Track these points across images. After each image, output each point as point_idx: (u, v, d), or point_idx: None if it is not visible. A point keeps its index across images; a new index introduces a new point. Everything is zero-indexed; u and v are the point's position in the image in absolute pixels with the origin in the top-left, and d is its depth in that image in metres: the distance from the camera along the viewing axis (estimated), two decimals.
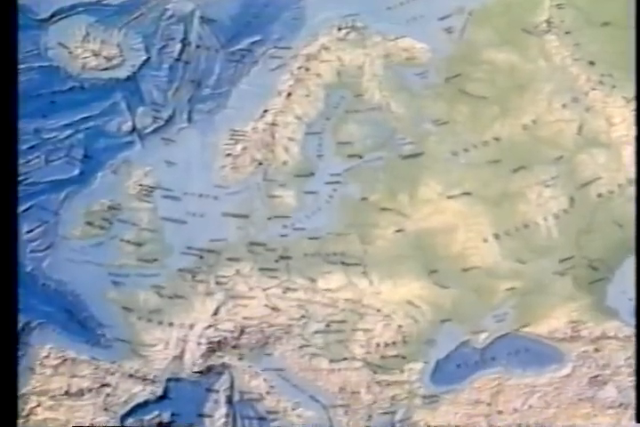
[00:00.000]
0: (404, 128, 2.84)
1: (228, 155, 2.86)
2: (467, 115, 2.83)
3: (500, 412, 2.78)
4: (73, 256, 2.86)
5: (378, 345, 2.83)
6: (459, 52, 2.84)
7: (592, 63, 2.81)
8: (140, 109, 2.87)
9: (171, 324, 2.85)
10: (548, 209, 2.82)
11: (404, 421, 2.79)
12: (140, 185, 2.86)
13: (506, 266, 2.81)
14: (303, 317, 2.83)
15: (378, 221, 2.82)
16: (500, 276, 2.81)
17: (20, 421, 2.75)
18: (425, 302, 2.83)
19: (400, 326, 2.83)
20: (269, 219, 2.84)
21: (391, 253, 2.82)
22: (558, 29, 2.84)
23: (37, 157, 2.85)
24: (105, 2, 2.84)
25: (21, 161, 2.81)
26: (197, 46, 2.86)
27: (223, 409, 2.81)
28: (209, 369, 2.84)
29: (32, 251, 2.84)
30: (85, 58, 2.86)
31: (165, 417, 2.81)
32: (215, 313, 2.84)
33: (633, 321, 2.73)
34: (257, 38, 2.87)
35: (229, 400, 2.82)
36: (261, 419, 2.81)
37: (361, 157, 2.84)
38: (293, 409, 2.81)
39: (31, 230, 2.83)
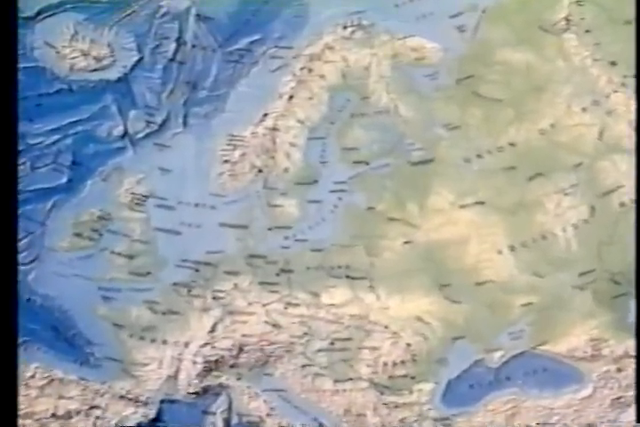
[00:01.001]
0: (414, 133, 2.79)
1: (226, 161, 2.81)
2: (480, 119, 2.78)
3: None
4: (60, 269, 2.83)
5: (385, 364, 2.79)
6: (471, 51, 2.79)
7: (614, 64, 2.76)
8: (132, 113, 2.83)
9: (165, 342, 2.82)
10: (567, 219, 2.77)
11: None
12: (132, 194, 2.82)
13: (522, 280, 2.76)
14: (306, 334, 2.79)
15: (385, 232, 2.78)
16: (515, 290, 2.77)
17: None
18: (435, 318, 2.78)
19: (409, 344, 2.79)
20: (270, 229, 2.80)
21: (399, 267, 2.78)
22: (578, 28, 2.79)
23: (23, 163, 2.81)
24: None
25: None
26: (193, 46, 2.82)
27: None
28: (205, 390, 2.82)
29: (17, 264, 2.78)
30: (74, 58, 2.81)
31: None
32: (212, 330, 2.81)
33: None
34: (256, 37, 2.82)
35: (227, 423, 2.82)
36: None
37: (367, 164, 2.79)
38: None
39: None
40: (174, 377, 2.81)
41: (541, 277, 2.76)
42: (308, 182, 2.80)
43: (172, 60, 2.82)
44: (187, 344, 2.82)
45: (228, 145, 2.81)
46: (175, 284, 2.81)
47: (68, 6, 2.81)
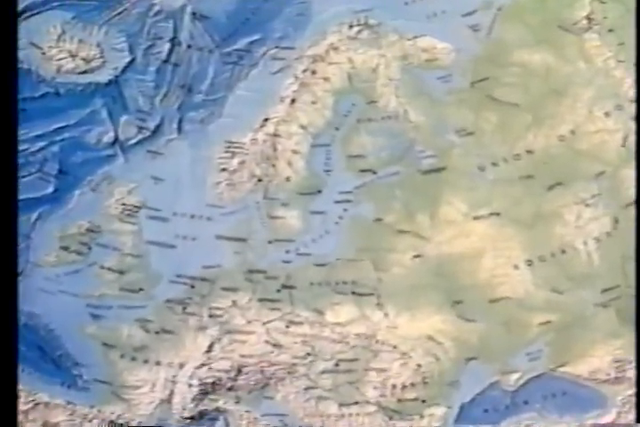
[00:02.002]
0: (424, 139, 2.76)
1: (224, 170, 2.78)
2: (495, 124, 2.75)
3: None
4: (46, 286, 2.78)
5: (394, 387, 2.75)
6: (486, 52, 2.76)
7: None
8: (124, 118, 2.79)
9: (158, 363, 2.78)
10: (589, 232, 2.74)
11: None
12: (123, 204, 2.78)
13: (540, 297, 2.74)
14: (309, 354, 2.76)
15: (394, 246, 2.75)
16: (533, 308, 2.74)
17: None
18: (448, 337, 2.75)
19: (419, 366, 2.75)
20: (270, 243, 2.76)
21: (409, 282, 2.75)
22: (600, 27, 2.75)
23: None
24: None
25: None
26: (188, 46, 2.79)
27: None
28: (201, 415, 2.78)
29: None
30: (61, 60, 2.77)
31: None
32: (208, 350, 2.77)
33: None
34: (256, 37, 2.79)
35: None
36: None
37: (375, 173, 2.76)
38: None
39: None
40: (168, 401, 2.77)
41: (561, 294, 2.73)
42: (311, 192, 2.77)
43: (165, 61, 2.79)
44: (181, 366, 2.77)
45: (226, 152, 2.78)
46: (169, 301, 2.77)
47: (55, 4, 2.78)
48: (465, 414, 2.76)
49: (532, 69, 2.75)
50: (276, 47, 2.78)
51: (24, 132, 2.78)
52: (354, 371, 2.75)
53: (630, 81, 2.73)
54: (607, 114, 2.74)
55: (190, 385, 2.76)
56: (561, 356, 2.75)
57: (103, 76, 2.79)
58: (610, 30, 2.74)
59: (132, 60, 2.78)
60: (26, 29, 2.76)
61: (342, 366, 2.76)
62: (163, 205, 2.78)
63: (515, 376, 2.75)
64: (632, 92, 2.73)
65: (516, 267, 2.74)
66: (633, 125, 2.73)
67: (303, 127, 2.77)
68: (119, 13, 2.78)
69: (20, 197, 2.76)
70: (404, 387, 2.74)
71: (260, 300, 2.76)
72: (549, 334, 2.74)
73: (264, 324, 2.76)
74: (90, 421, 2.78)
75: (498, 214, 2.74)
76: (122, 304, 2.77)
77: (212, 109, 2.79)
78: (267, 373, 2.76)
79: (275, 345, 2.76)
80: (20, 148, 2.77)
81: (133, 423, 2.77)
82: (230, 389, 2.77)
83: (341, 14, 2.78)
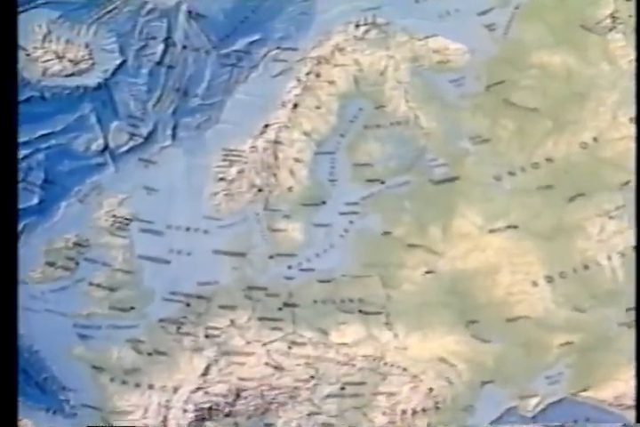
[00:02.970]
0: (436, 147, 2.75)
1: (221, 179, 2.76)
2: (512, 131, 2.73)
3: None
4: (30, 304, 2.76)
5: (404, 412, 2.73)
6: (503, 53, 2.75)
7: None
8: (114, 124, 2.78)
9: (150, 386, 2.75)
10: (613, 246, 2.71)
11: None
12: (114, 216, 2.77)
13: (560, 316, 2.71)
14: (312, 377, 2.73)
15: (404, 261, 2.73)
16: (553, 328, 2.71)
17: None
18: (461, 359, 2.73)
19: (431, 390, 2.73)
20: (271, 257, 2.75)
21: (420, 300, 2.73)
22: (625, 26, 2.73)
23: None
24: None
25: None
26: (184, 47, 2.78)
27: None
28: None
29: None
30: (46, 61, 2.76)
31: None
32: (205, 373, 2.74)
33: None
34: (256, 37, 2.78)
35: None
36: None
37: (383, 183, 2.75)
38: None
39: None
40: None
41: (583, 313, 2.71)
42: (314, 203, 2.76)
43: (159, 63, 2.78)
44: (176, 389, 2.75)
45: (224, 161, 2.77)
46: (162, 320, 2.75)
47: (40, 2, 2.77)
48: None
49: (552, 72, 2.74)
50: (278, 48, 2.78)
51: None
52: (361, 395, 2.74)
53: None
54: (631, 120, 2.71)
55: (185, 411, 2.74)
56: (583, 379, 2.72)
57: (92, 79, 2.78)
58: (635, 30, 2.71)
59: (123, 62, 2.78)
60: None
61: (348, 390, 2.74)
62: (156, 218, 2.77)
63: (534, 401, 2.72)
64: None
65: (534, 284, 2.72)
66: None
67: (306, 134, 2.76)
68: (109, 12, 2.78)
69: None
70: (414, 413, 2.73)
71: (261, 319, 2.75)
72: (571, 356, 2.71)
73: (264, 344, 2.74)
74: None
75: (515, 227, 2.72)
76: (112, 324, 2.76)
77: (209, 115, 2.79)
78: (267, 397, 2.74)
79: (276, 367, 2.74)
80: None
81: None
82: (228, 415, 2.75)
83: (347, 13, 2.78)
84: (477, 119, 2.74)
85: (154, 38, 2.77)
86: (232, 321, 2.74)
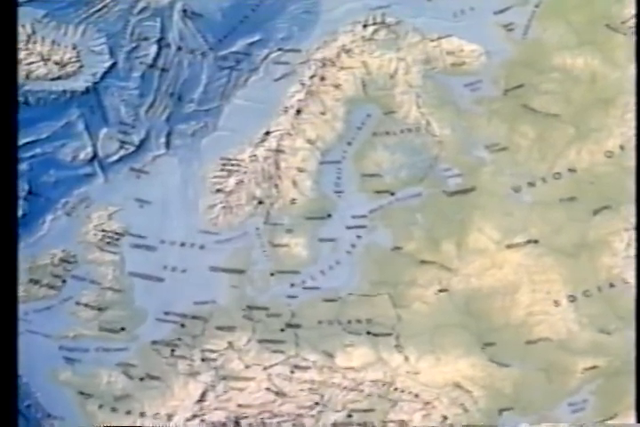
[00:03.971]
0: (450, 156, 2.73)
1: (219, 191, 2.75)
2: (532, 138, 2.71)
3: None
4: None
5: None
6: (522, 55, 2.73)
7: None
8: (103, 131, 2.77)
9: (142, 414, 2.75)
10: None
11: None
12: (103, 231, 2.75)
13: (584, 338, 2.70)
14: (317, 404, 2.72)
15: (415, 278, 2.72)
16: (576, 351, 2.70)
17: None
18: (478, 384, 2.71)
19: (445, 417, 2.72)
20: (272, 275, 2.74)
21: (433, 321, 2.72)
22: None
23: None
24: None
25: None
26: (178, 48, 2.76)
27: None
28: None
29: None
30: (31, 64, 2.74)
31: None
32: (201, 399, 2.74)
33: None
34: (256, 38, 2.76)
35: None
36: None
37: (393, 194, 2.73)
38: None
39: None
40: None
41: (609, 335, 2.69)
42: (319, 217, 2.74)
43: (152, 66, 2.76)
44: (170, 417, 2.75)
45: (222, 171, 2.76)
46: (155, 342, 2.74)
47: (24, 0, 2.75)
48: None
49: (575, 75, 2.73)
50: (280, 50, 2.77)
51: None
52: (369, 423, 2.73)
53: None
54: None
55: None
56: (609, 407, 2.72)
57: (80, 83, 2.77)
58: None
59: (113, 65, 2.78)
60: None
61: (356, 418, 2.74)
62: (148, 232, 2.77)
63: None
64: None
65: (556, 303, 2.72)
66: None
67: (310, 142, 2.76)
68: (98, 11, 2.77)
69: None
70: None
71: (261, 341, 2.74)
72: (596, 382, 2.71)
73: (265, 368, 2.74)
74: None
75: (535, 242, 2.71)
76: (101, 346, 2.75)
77: (206, 121, 2.79)
78: (268, 425, 2.74)
79: (277, 393, 2.74)
80: None
81: None
82: None
83: (355, 12, 2.77)
84: (494, 126, 2.73)
85: (146, 39, 2.77)
86: (230, 343, 2.73)
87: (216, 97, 2.77)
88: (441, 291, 2.71)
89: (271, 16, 2.77)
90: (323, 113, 2.75)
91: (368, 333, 2.71)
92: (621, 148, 2.68)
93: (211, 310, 2.73)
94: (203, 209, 2.74)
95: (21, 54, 2.72)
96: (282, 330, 2.72)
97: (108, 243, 2.75)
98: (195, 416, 2.74)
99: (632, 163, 2.67)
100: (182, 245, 2.74)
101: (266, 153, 2.74)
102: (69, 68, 2.74)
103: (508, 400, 2.70)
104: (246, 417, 2.73)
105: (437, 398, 2.70)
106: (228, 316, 2.73)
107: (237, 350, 2.72)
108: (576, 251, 2.69)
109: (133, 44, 2.76)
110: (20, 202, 2.74)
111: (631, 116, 2.67)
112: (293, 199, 2.73)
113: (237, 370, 2.73)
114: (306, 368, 2.72)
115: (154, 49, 2.75)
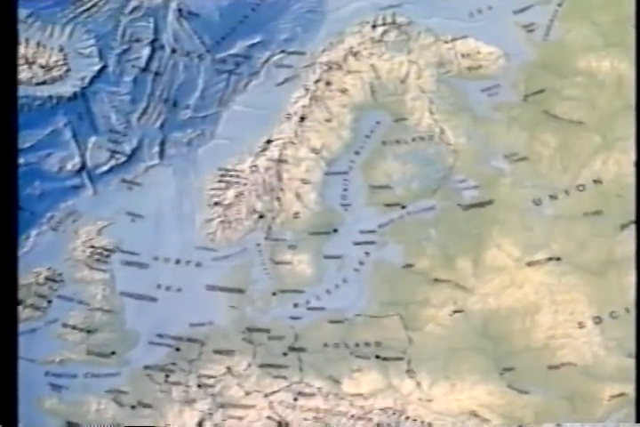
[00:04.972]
0: (466, 166, 2.68)
1: (217, 204, 2.71)
2: (554, 147, 2.66)
3: None
4: None
5: None
6: (543, 58, 2.68)
7: None
8: (92, 140, 2.72)
9: None
10: None
11: None
12: (92, 247, 2.71)
13: (611, 363, 2.63)
14: None
15: (428, 298, 2.67)
16: (602, 377, 2.64)
17: None
18: (496, 413, 2.65)
19: None
20: (274, 294, 2.69)
21: (447, 344, 2.66)
22: None
23: None
24: None
25: None
26: (173, 51, 2.72)
27: None
28: None
29: None
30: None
31: None
32: None
33: None
34: (257, 40, 2.73)
35: None
36: None
37: (404, 207, 2.68)
38: None
39: None
40: None
41: (637, 360, 2.60)
42: (324, 232, 2.69)
43: (144, 69, 2.72)
44: None
45: (220, 182, 2.71)
46: (148, 367, 2.70)
47: None
48: None
49: (601, 79, 2.68)
50: (282, 52, 2.74)
51: None
52: None
53: None
54: None
55: None
56: None
57: (67, 88, 2.73)
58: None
59: (103, 68, 2.73)
60: None
61: None
62: (141, 248, 2.73)
63: None
64: None
65: (580, 325, 2.66)
66: None
67: (315, 151, 2.72)
68: (87, 10, 2.72)
69: None
70: None
71: (262, 365, 2.69)
72: (623, 410, 2.65)
73: (266, 395, 2.69)
74: None
75: (558, 259, 2.66)
76: (89, 372, 2.71)
77: (202, 129, 2.75)
78: None
79: (280, 422, 2.70)
80: None
81: None
82: None
83: (363, 11, 2.73)
84: (514, 134, 2.68)
85: (138, 40, 2.73)
86: (229, 368, 2.69)
87: (214, 103, 2.73)
88: (456, 312, 2.66)
89: (273, 16, 2.74)
90: (328, 120, 2.71)
91: (377, 357, 2.66)
92: None
93: (208, 332, 2.68)
94: (199, 224, 2.71)
95: None
96: (284, 354, 2.67)
97: (98, 260, 2.70)
98: None
99: None
100: (177, 262, 2.70)
101: (267, 163, 2.70)
102: (55, 72, 2.70)
103: None
104: None
105: None
106: (227, 339, 2.68)
107: (236, 375, 2.68)
108: (602, 269, 2.63)
109: (125, 46, 2.71)
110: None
111: None
112: (297, 213, 2.69)
113: (236, 397, 2.69)
114: (310, 395, 2.68)
115: (147, 51, 2.71)
